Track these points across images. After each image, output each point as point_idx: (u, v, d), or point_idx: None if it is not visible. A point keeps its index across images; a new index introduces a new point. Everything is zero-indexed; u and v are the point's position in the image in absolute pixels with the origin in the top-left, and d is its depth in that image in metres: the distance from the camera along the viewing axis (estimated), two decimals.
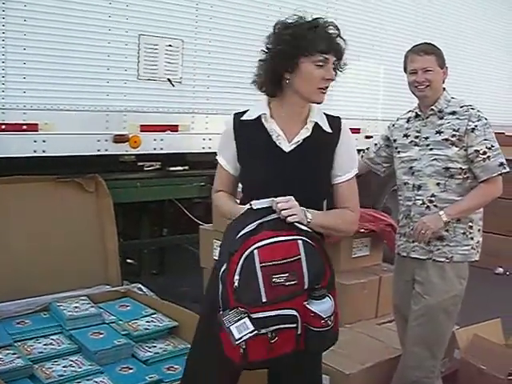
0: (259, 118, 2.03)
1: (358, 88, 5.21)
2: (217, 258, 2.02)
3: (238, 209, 1.99)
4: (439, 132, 2.71)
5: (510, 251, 6.29)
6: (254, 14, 4.27)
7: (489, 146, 2.63)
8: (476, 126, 2.63)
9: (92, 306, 3.20)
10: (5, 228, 3.30)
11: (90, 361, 2.74)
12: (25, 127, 3.27)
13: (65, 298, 3.26)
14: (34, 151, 3.31)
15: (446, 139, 2.67)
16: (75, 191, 3.58)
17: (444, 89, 2.78)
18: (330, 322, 1.84)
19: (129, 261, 4.65)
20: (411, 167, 2.78)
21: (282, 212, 1.83)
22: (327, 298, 1.84)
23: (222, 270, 1.81)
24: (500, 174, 2.64)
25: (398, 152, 2.87)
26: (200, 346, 2.13)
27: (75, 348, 2.86)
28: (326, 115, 2.08)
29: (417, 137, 2.79)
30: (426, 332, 2.70)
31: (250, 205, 1.87)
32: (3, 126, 3.23)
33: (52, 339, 2.93)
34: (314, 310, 1.80)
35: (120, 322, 3.13)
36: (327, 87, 1.98)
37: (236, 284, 1.76)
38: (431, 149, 2.72)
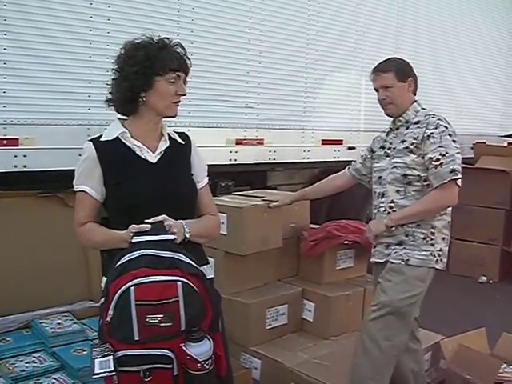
0: (118, 137, 2.07)
1: (340, 99, 5.21)
2: None
3: (118, 235, 1.96)
4: (403, 141, 2.77)
5: (492, 260, 6.33)
6: (235, 27, 4.28)
7: (443, 152, 2.63)
8: (432, 133, 2.66)
9: (75, 323, 3.16)
10: None
11: (74, 378, 2.69)
12: (5, 142, 3.23)
13: (47, 314, 3.21)
14: (15, 166, 3.27)
15: (406, 147, 2.73)
16: (57, 206, 3.53)
17: (415, 100, 2.82)
18: (206, 366, 1.78)
19: None
20: (380, 177, 2.85)
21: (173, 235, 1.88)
22: (205, 340, 1.80)
23: (101, 302, 1.82)
24: (453, 181, 2.64)
25: (375, 163, 2.94)
26: None
27: (58, 365, 2.81)
28: (174, 131, 2.22)
29: (389, 148, 2.86)
30: (378, 327, 2.70)
31: (131, 235, 1.86)
32: None
33: (34, 357, 2.88)
34: (189, 352, 1.76)
35: None
36: (179, 101, 2.13)
37: (108, 319, 1.75)
38: (393, 157, 2.78)
